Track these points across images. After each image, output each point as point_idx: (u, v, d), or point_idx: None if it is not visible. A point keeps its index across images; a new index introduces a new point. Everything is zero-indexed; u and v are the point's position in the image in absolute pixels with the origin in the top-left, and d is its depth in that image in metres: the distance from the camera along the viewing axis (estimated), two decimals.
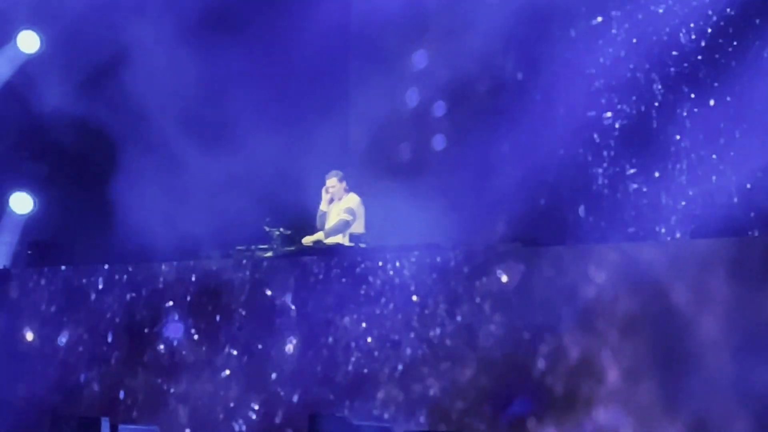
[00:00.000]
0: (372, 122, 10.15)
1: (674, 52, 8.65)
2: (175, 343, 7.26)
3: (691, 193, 8.35)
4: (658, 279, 5.78)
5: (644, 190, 8.62)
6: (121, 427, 6.64)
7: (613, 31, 8.90)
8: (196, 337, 7.26)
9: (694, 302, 5.65)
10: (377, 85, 10.20)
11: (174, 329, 7.24)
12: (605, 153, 8.87)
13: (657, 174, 8.59)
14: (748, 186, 8.02)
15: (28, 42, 10.42)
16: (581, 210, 8.77)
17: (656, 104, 8.72)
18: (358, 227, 8.32)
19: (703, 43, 8.52)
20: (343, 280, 6.79)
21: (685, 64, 8.59)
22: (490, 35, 9.21)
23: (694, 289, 5.67)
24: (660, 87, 8.72)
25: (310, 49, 9.77)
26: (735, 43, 8.36)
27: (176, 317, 7.24)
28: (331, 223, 8.37)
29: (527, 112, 9.20)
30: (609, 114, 8.82)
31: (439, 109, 9.82)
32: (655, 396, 5.67)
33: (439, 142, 9.81)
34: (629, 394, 5.76)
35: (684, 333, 5.63)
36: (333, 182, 8.52)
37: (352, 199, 8.46)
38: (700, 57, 8.54)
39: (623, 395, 5.78)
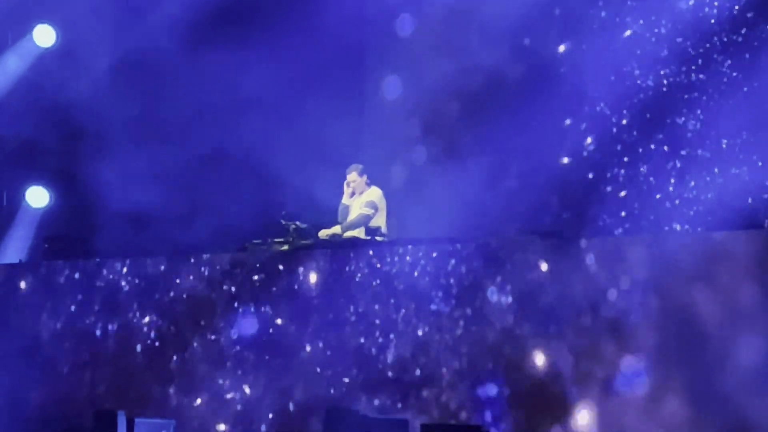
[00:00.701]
0: (387, 114, 10.12)
1: (691, 42, 8.57)
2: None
3: (708, 185, 8.27)
4: (683, 273, 5.68)
5: (661, 182, 8.56)
6: (137, 420, 6.64)
7: (628, 20, 8.82)
8: (211, 330, 7.24)
9: (721, 297, 5.54)
10: (392, 77, 10.19)
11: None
12: (621, 145, 8.81)
13: (673, 166, 8.52)
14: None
15: (44, 36, 10.45)
16: (596, 202, 8.72)
17: (672, 95, 8.65)
18: (379, 220, 8.28)
19: (722, 34, 8.43)
20: (359, 274, 6.76)
21: (702, 51, 8.51)
22: (505, 27, 9.18)
23: (721, 284, 5.55)
24: (677, 78, 8.64)
25: (325, 40, 9.74)
26: (757, 32, 8.26)
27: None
28: (351, 216, 8.34)
29: (542, 105, 9.15)
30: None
31: (455, 101, 9.77)
32: (683, 398, 5.55)
33: (454, 136, 9.76)
34: (654, 394, 5.66)
35: (712, 330, 5.52)
36: (353, 176, 8.46)
37: (374, 193, 8.41)
38: (720, 47, 8.45)
39: (648, 394, 5.68)
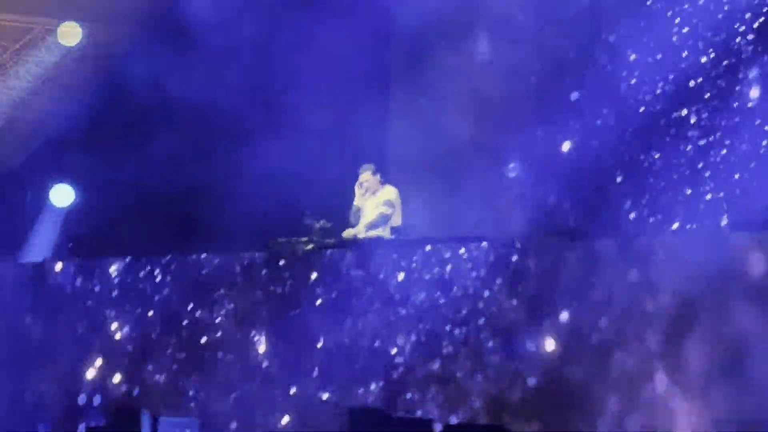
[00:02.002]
0: (411, 114, 10.09)
1: (722, 37, 8.45)
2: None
3: (738, 183, 8.16)
4: (712, 274, 5.56)
5: (689, 179, 8.44)
6: (161, 419, 6.65)
7: (669, 14, 8.69)
8: (237, 330, 7.23)
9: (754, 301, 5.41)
10: (418, 77, 10.16)
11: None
12: (647, 140, 8.70)
13: (704, 164, 8.41)
14: None
15: (69, 34, 10.50)
16: (625, 200, 8.61)
17: (706, 93, 8.53)
18: (396, 219, 8.27)
19: (755, 29, 8.31)
20: (382, 273, 6.72)
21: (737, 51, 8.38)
22: (531, 22, 9.12)
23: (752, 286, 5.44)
24: (713, 74, 8.51)
25: (350, 41, 9.72)
26: None
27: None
28: (368, 217, 8.30)
29: (568, 101, 9.08)
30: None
31: (479, 100, 9.71)
32: (712, 408, 5.43)
33: (478, 133, 9.71)
34: (682, 402, 5.54)
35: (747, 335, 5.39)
36: (367, 176, 8.44)
37: (390, 192, 8.38)
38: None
39: (675, 404, 5.57)
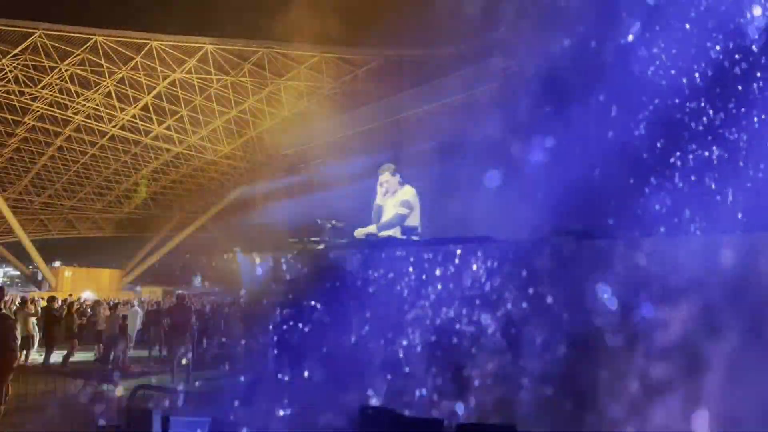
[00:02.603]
0: (425, 113, 10.09)
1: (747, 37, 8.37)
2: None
3: (754, 183, 8.07)
4: (728, 275, 5.48)
5: (707, 182, 8.37)
6: (172, 418, 6.66)
7: (684, 13, 8.63)
8: (245, 329, 7.25)
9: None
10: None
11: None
12: (657, 140, 8.62)
13: (722, 166, 8.33)
14: None
15: None
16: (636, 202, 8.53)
17: (725, 93, 8.44)
18: (414, 220, 8.26)
19: None
20: (392, 273, 6.72)
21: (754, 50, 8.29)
22: (542, 22, 9.06)
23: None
24: (733, 75, 8.43)
25: None
26: None
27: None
28: (387, 216, 8.31)
29: (584, 101, 9.03)
30: None
31: (492, 99, 9.70)
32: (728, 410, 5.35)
33: (491, 134, 9.68)
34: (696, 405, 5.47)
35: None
36: (386, 176, 8.46)
37: (408, 192, 8.39)
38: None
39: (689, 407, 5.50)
